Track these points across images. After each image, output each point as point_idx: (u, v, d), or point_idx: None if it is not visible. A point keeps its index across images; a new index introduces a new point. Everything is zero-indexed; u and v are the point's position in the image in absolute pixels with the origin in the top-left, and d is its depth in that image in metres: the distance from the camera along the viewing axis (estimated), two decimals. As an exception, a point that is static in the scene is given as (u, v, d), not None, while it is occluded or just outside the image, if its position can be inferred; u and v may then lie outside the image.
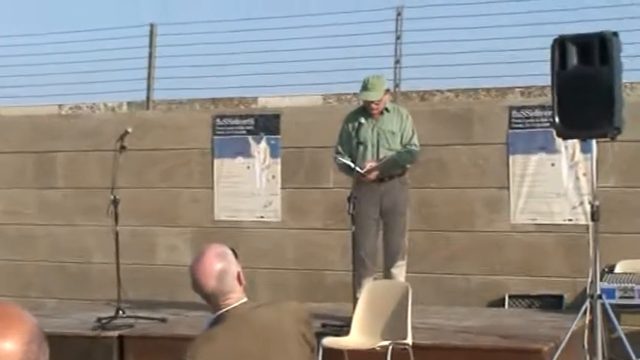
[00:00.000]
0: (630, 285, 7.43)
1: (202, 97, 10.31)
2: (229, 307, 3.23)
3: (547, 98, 7.74)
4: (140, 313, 7.94)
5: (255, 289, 7.97)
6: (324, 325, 7.04)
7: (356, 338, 6.56)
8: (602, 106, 6.21)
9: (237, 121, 9.57)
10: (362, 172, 7.22)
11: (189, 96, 10.38)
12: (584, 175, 8.23)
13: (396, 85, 9.40)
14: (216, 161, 9.61)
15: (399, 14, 9.49)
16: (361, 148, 7.34)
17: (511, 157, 8.62)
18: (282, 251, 9.31)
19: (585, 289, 7.05)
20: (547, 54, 6.49)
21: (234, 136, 9.55)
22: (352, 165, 7.22)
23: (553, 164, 8.49)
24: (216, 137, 9.61)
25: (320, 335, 5.89)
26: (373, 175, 7.29)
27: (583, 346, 6.48)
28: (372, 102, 7.38)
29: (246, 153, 9.50)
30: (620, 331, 6.39)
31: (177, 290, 8.65)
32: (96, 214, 9.26)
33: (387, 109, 7.47)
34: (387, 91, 7.58)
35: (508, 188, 8.63)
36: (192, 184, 9.69)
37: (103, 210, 8.09)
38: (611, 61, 6.21)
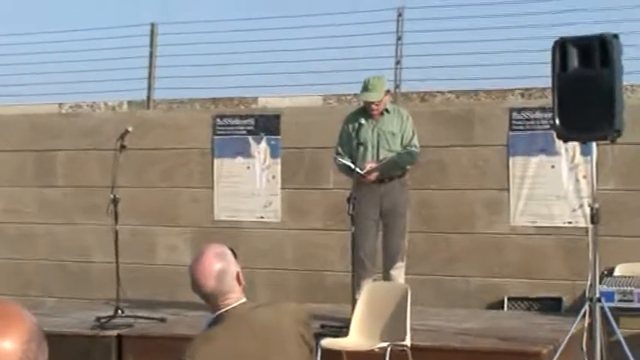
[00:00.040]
0: (629, 288, 7.41)
1: (203, 96, 10.31)
2: (228, 308, 3.23)
3: (547, 100, 7.73)
4: (139, 313, 7.94)
5: (254, 289, 7.97)
6: (322, 326, 7.04)
7: (355, 339, 6.56)
8: (602, 109, 6.21)
9: (237, 121, 9.57)
10: (362, 173, 7.20)
11: (189, 95, 10.38)
12: (584, 177, 8.23)
13: (397, 86, 9.39)
14: (216, 161, 9.60)
15: (399, 15, 9.49)
16: (361, 149, 7.33)
17: (511, 159, 8.61)
18: (281, 252, 9.30)
19: (584, 292, 7.05)
20: (548, 56, 6.48)
21: (235, 136, 9.54)
22: (352, 166, 7.21)
23: (553, 166, 8.48)
24: (216, 137, 9.61)
25: (319, 336, 5.89)
26: (373, 176, 7.28)
27: (582, 349, 6.49)
28: (373, 103, 7.36)
29: (246, 153, 9.49)
30: (619, 334, 6.37)
31: (177, 290, 8.64)
32: (96, 213, 9.26)
33: (387, 110, 7.46)
34: (388, 91, 7.56)
35: (508, 190, 8.63)
36: (192, 184, 9.68)
37: (103, 209, 8.08)
38: (611, 63, 6.20)
